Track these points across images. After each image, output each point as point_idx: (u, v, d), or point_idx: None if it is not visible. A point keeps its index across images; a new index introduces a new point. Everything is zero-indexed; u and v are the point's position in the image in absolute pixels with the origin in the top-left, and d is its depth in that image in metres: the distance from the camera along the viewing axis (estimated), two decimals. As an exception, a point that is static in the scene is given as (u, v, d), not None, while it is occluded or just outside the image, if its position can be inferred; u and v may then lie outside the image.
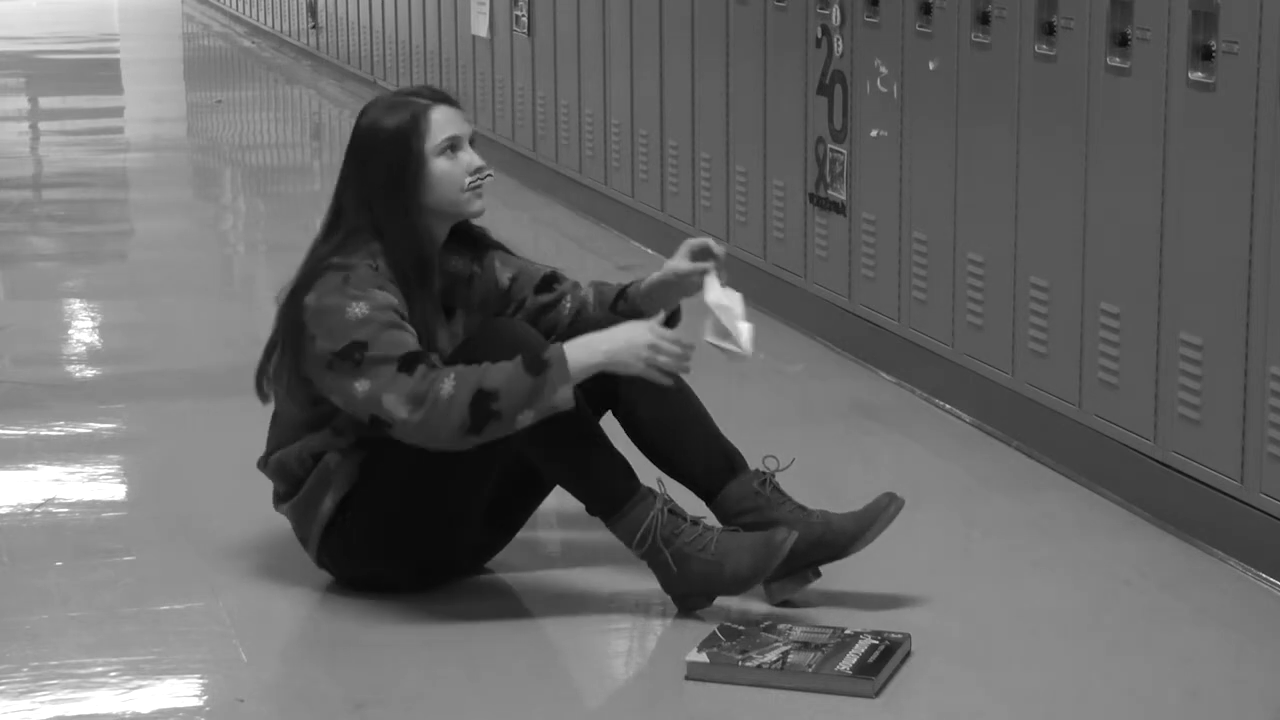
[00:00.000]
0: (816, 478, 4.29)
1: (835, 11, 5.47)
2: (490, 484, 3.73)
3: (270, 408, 3.86)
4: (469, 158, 3.77)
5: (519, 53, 8.18)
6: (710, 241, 3.87)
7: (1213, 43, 3.97)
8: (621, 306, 3.91)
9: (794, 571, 3.71)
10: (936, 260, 5.09)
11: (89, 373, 5.67)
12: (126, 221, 8.32)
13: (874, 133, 5.35)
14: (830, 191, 5.61)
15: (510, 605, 3.81)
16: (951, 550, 4.20)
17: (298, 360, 3.70)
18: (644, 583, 3.76)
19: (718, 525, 3.74)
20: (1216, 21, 3.95)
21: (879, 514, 3.73)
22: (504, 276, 3.94)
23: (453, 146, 3.76)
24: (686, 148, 6.58)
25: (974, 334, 4.93)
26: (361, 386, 3.59)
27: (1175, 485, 4.17)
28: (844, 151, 5.52)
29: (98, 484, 4.66)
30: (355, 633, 3.66)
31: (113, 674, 3.48)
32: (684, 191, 6.63)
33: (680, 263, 3.86)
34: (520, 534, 3.96)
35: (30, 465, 4.73)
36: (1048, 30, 4.52)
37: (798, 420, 5.15)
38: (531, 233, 7.41)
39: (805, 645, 3.48)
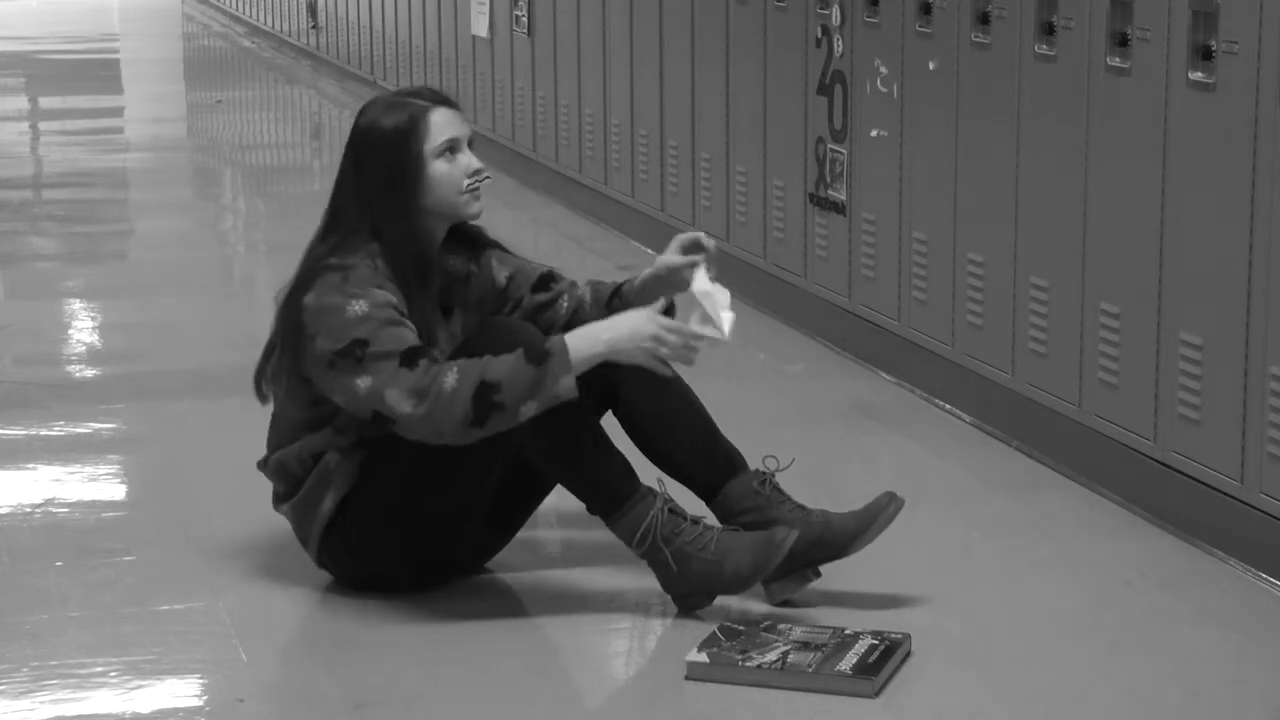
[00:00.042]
0: (816, 478, 4.29)
1: (835, 11, 5.47)
2: (490, 483, 3.72)
3: (270, 408, 3.86)
4: (468, 160, 3.77)
5: (519, 53, 8.17)
6: (701, 235, 3.87)
7: (1213, 43, 3.97)
8: (616, 304, 3.91)
9: (794, 571, 3.71)
10: (936, 260, 5.08)
11: (89, 373, 5.67)
12: (126, 221, 8.32)
13: (874, 133, 5.35)
14: (830, 191, 5.61)
15: (510, 605, 3.81)
16: (951, 550, 4.20)
17: (297, 361, 3.69)
18: (644, 583, 3.76)
19: (718, 525, 3.74)
20: (1216, 21, 3.95)
21: (879, 513, 3.72)
22: (501, 275, 3.94)
23: (451, 149, 3.76)
24: (686, 148, 6.57)
25: (974, 334, 4.93)
26: (364, 383, 3.59)
27: (1175, 485, 4.17)
28: (844, 151, 5.52)
29: (98, 484, 4.66)
30: (355, 633, 3.66)
31: (113, 674, 3.48)
32: (684, 191, 6.62)
33: (671, 256, 3.85)
34: (520, 534, 3.96)
35: (30, 465, 4.73)
36: (1048, 30, 4.52)
37: (798, 420, 5.15)
38: (532, 233, 7.41)
39: (805, 645, 3.48)
